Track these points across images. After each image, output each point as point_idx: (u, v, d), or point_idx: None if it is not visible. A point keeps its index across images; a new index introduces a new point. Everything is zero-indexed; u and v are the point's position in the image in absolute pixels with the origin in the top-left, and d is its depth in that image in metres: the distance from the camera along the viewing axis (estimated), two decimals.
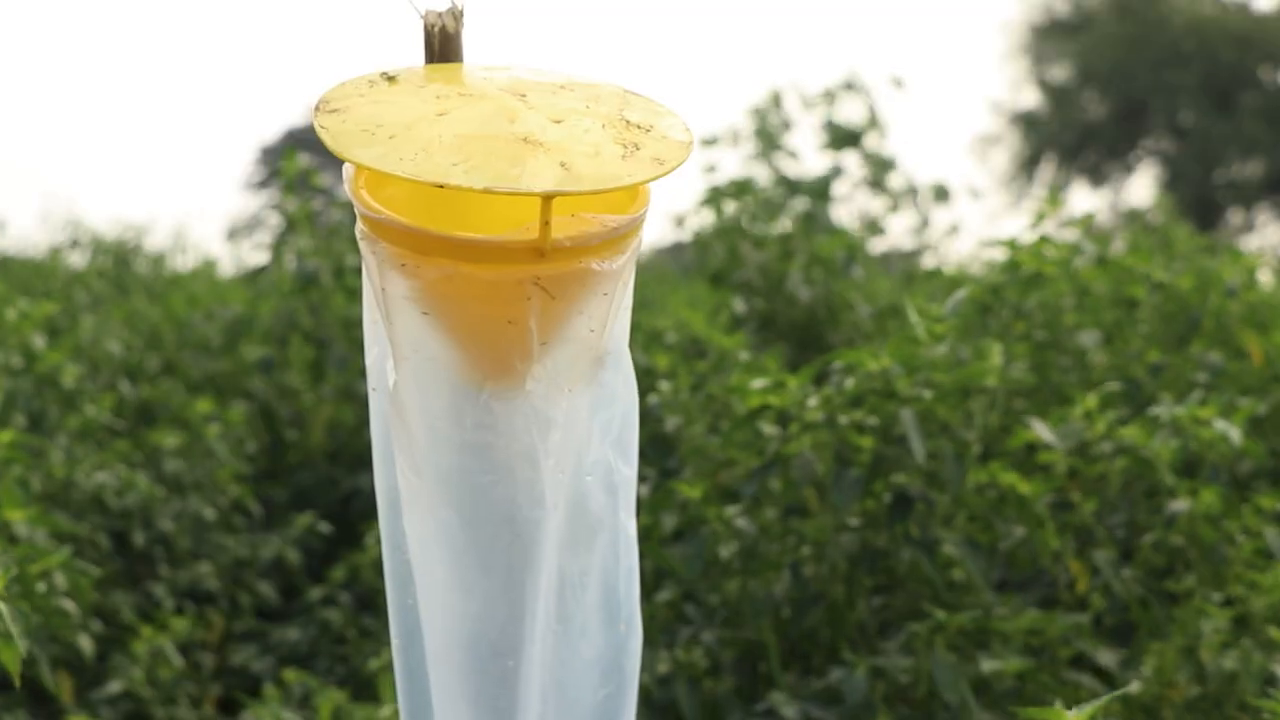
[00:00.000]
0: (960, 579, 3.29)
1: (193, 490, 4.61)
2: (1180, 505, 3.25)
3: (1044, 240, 4.20)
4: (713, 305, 5.71)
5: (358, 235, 1.67)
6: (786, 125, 9.19)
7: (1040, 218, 4.68)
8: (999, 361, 3.20)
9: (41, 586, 3.19)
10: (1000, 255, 4.33)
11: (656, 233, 9.55)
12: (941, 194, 9.51)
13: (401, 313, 1.64)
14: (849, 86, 9.30)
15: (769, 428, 3.27)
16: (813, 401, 3.18)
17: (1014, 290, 4.11)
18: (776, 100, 9.17)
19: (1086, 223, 4.85)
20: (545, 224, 1.60)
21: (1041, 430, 3.27)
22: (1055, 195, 4.77)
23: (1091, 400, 3.42)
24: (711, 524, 3.25)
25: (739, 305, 5.46)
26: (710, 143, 8.88)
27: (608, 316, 1.69)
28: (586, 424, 1.72)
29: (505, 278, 1.62)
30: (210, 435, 4.71)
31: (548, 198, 1.59)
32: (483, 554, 1.69)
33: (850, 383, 3.16)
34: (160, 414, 5.08)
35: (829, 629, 3.26)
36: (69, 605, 3.26)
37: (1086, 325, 4.46)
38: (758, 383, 3.26)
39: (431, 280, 1.62)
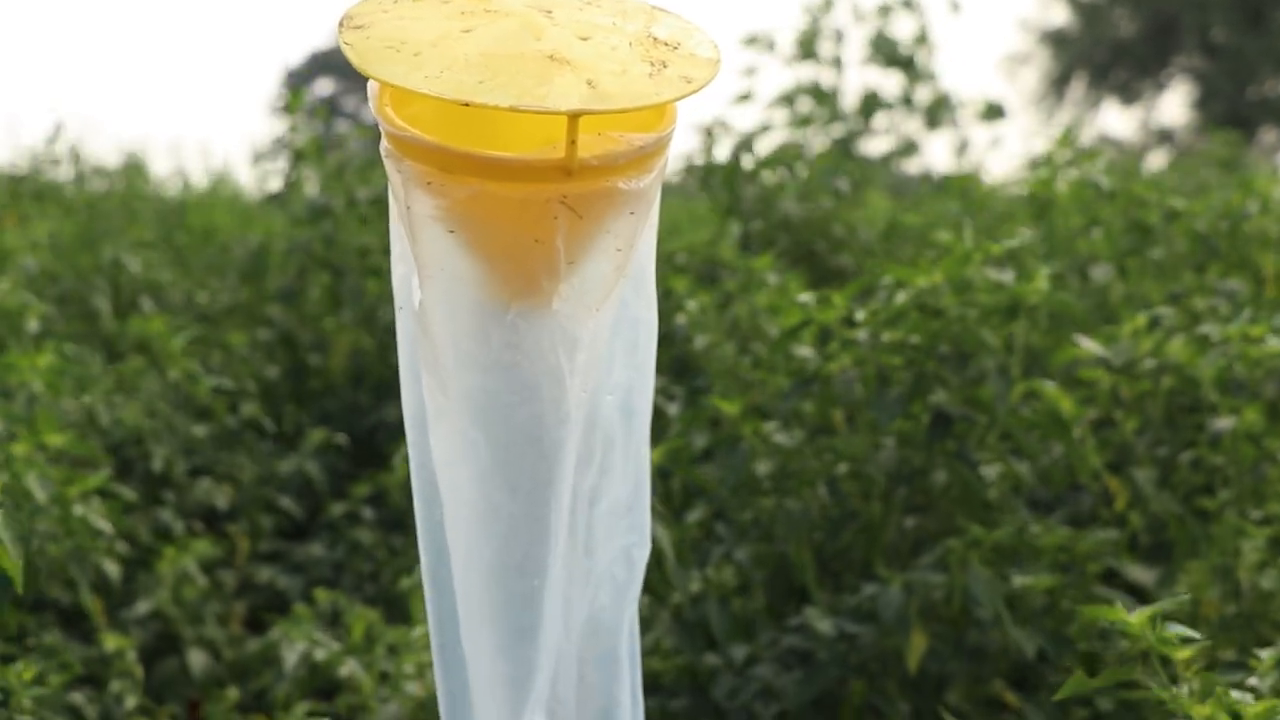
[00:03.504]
0: (995, 498, 3.29)
1: (209, 411, 4.62)
2: (1224, 423, 3.23)
3: (1059, 169, 4.18)
4: (716, 225, 5.67)
5: (383, 153, 1.66)
6: (839, 36, 9.09)
7: (1059, 145, 4.65)
8: (1044, 283, 3.19)
9: (79, 509, 3.21)
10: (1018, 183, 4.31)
11: (681, 153, 9.51)
12: (994, 112, 9.42)
13: (427, 231, 1.63)
14: (906, 4, 9.22)
15: (805, 347, 3.26)
16: (860, 316, 3.17)
17: (1027, 216, 4.08)
18: (828, 5, 9.08)
19: (1092, 157, 4.80)
20: (572, 143, 1.58)
21: (1089, 345, 3.26)
22: (1067, 136, 4.74)
23: (1140, 319, 3.41)
24: (748, 440, 3.25)
25: (735, 230, 5.43)
26: (751, 42, 8.77)
27: (634, 236, 1.68)
28: (609, 344, 1.72)
29: (532, 197, 1.61)
30: (228, 352, 4.69)
31: (574, 116, 1.57)
32: (509, 473, 1.69)
33: (898, 298, 3.15)
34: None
35: (863, 547, 3.26)
36: (104, 526, 3.28)
37: (1102, 254, 4.44)
38: (803, 297, 3.25)
39: (457, 199, 1.61)
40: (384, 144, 1.66)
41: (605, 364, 1.74)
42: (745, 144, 5.83)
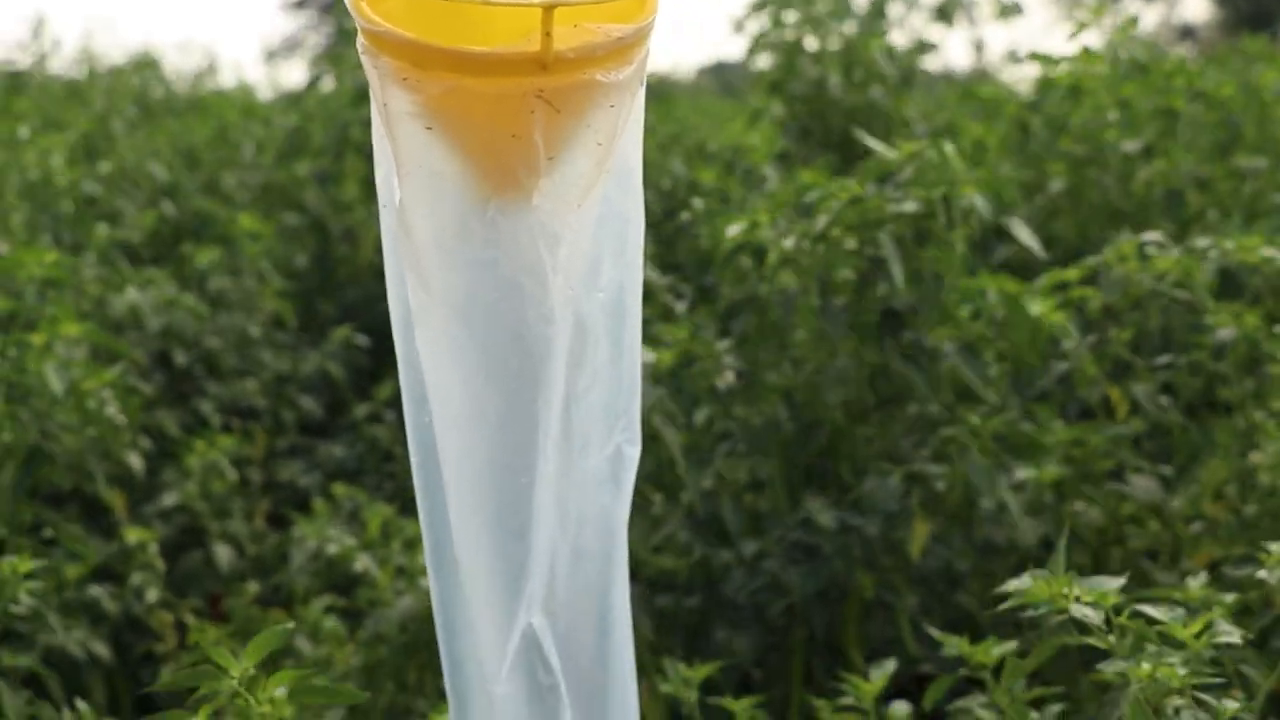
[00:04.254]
0: (991, 401, 3.27)
1: (233, 307, 4.63)
2: (1225, 333, 3.20)
3: (1085, 53, 4.10)
4: (748, 116, 5.60)
5: (360, 50, 1.64)
6: None
7: (1081, 27, 4.57)
8: (960, 165, 3.14)
9: (93, 403, 3.22)
10: (1039, 71, 4.24)
11: (697, 52, 9.35)
12: (1009, 9, 9.25)
13: (404, 128, 1.61)
14: None
15: (747, 262, 3.26)
16: (789, 241, 3.14)
17: (1052, 106, 4.02)
18: None
19: (1126, 31, 4.71)
20: (547, 35, 1.56)
21: (1021, 232, 3.21)
22: (1101, 6, 4.65)
23: (1128, 245, 3.36)
24: (704, 360, 3.25)
25: (777, 110, 5.36)
26: None
27: (615, 130, 1.65)
28: (594, 241, 1.70)
29: (508, 91, 1.58)
30: (251, 252, 4.71)
31: (549, 8, 1.55)
32: (494, 372, 1.68)
33: (826, 207, 3.13)
34: (201, 233, 5.08)
35: (837, 452, 3.25)
36: (118, 418, 3.30)
37: (1128, 139, 4.37)
38: (733, 229, 3.24)
39: (433, 94, 1.59)
40: (360, 40, 1.63)
41: (592, 262, 1.72)
42: (760, 42, 5.74)
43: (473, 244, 1.65)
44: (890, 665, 2.48)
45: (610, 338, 1.74)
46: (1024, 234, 3.21)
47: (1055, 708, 2.43)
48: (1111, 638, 2.05)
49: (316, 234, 5.49)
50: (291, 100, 6.27)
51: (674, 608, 3.23)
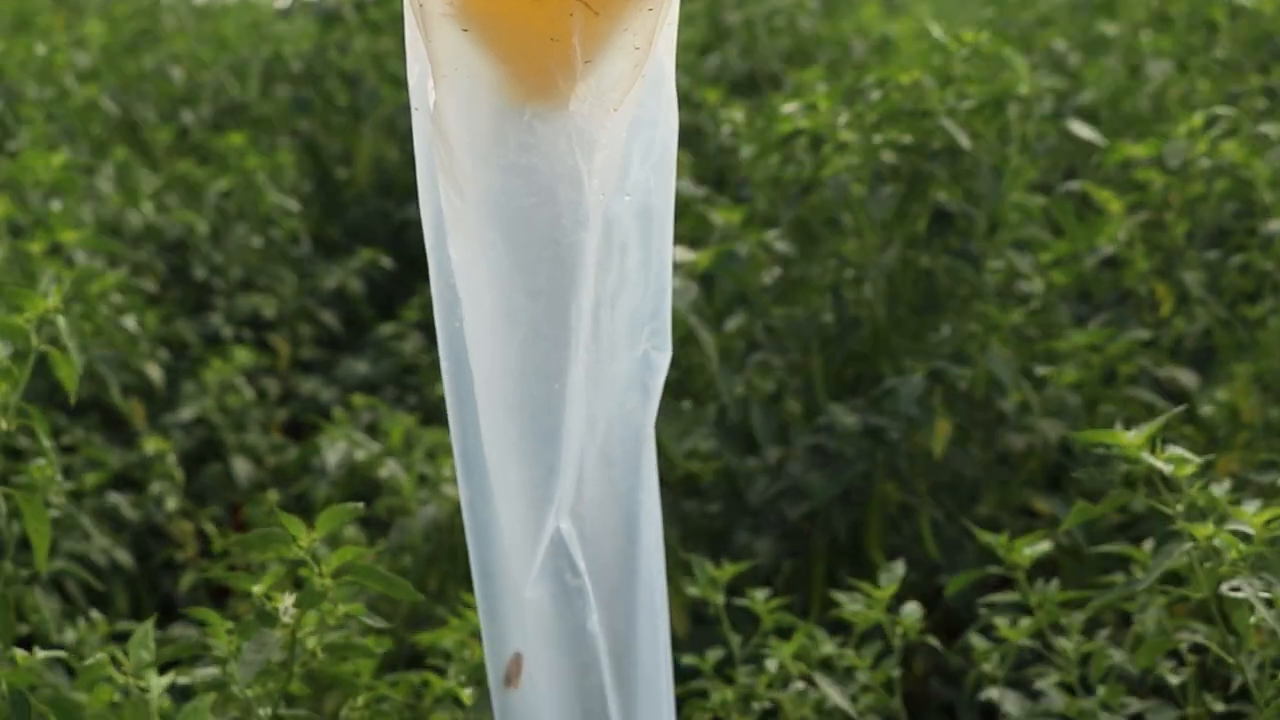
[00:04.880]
0: (1034, 306, 3.27)
1: (246, 221, 4.62)
2: (1277, 225, 3.18)
3: None
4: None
5: None
6: None
7: None
8: (1025, 69, 3.12)
9: (104, 309, 3.21)
10: None
11: None
12: None
13: (440, 29, 1.60)
14: None
15: (804, 152, 3.23)
16: (843, 120, 3.12)
17: (1088, 14, 3.98)
18: None
19: None
20: None
21: (1081, 129, 3.20)
22: None
23: (1197, 119, 3.33)
24: (751, 249, 3.23)
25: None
26: None
27: (653, 33, 1.64)
28: (626, 145, 1.69)
29: None
30: (252, 165, 4.69)
31: None
32: (528, 276, 1.68)
33: (878, 98, 3.11)
34: (210, 154, 5.06)
35: (874, 354, 3.25)
36: (133, 327, 3.29)
37: (1164, 51, 4.33)
38: (790, 106, 3.20)
39: None
40: None
41: (623, 165, 1.71)
42: None
43: (508, 149, 1.64)
44: (899, 569, 2.49)
45: (640, 242, 1.74)
46: (1085, 130, 3.20)
47: (1080, 616, 2.45)
48: (1180, 505, 2.04)
49: (311, 158, 5.46)
50: (283, 15, 6.20)
51: (697, 513, 3.24)
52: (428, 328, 4.62)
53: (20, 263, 3.20)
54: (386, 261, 4.83)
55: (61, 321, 2.22)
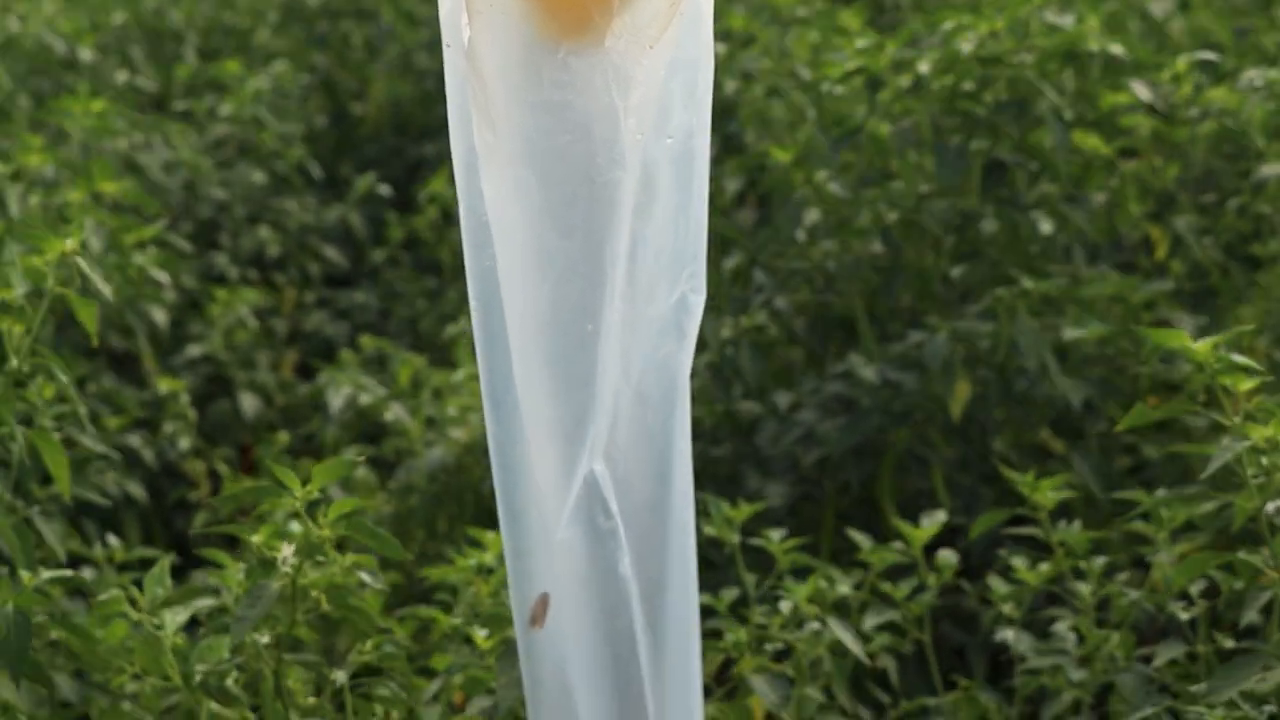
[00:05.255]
0: (1046, 246, 3.26)
1: (250, 157, 4.59)
2: (1271, 169, 3.17)
3: None
4: None
5: None
6: None
7: None
8: (1098, 25, 3.11)
9: (138, 257, 3.21)
10: None
11: None
12: None
13: None
14: None
15: (854, 93, 3.21)
16: (923, 68, 3.10)
17: None
18: None
19: None
20: None
21: (1140, 90, 3.19)
22: None
23: (1181, 63, 3.32)
24: (799, 188, 3.21)
25: None
26: None
27: None
28: (665, 85, 1.68)
29: None
30: (254, 90, 4.64)
31: None
32: (562, 215, 1.67)
33: (957, 46, 3.08)
34: (218, 86, 5.02)
35: (913, 297, 3.24)
36: (161, 276, 3.28)
37: None
38: (859, 43, 3.18)
39: None
40: None
41: (662, 107, 1.69)
42: None
43: (542, 85, 1.63)
44: (940, 515, 2.50)
45: (679, 184, 1.72)
46: (1144, 92, 3.18)
47: (1100, 560, 2.46)
48: (1237, 418, 2.04)
49: (327, 92, 5.43)
50: None
51: (703, 456, 3.24)
52: (416, 253, 4.62)
53: (55, 212, 3.18)
54: (385, 189, 4.80)
55: (81, 263, 2.21)
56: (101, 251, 3.07)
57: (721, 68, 3.92)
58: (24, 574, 2.13)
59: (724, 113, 3.84)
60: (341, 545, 2.15)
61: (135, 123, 4.15)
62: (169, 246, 3.64)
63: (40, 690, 2.18)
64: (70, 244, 2.21)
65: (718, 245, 3.36)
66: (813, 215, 3.26)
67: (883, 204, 3.22)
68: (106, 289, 2.27)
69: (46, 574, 2.15)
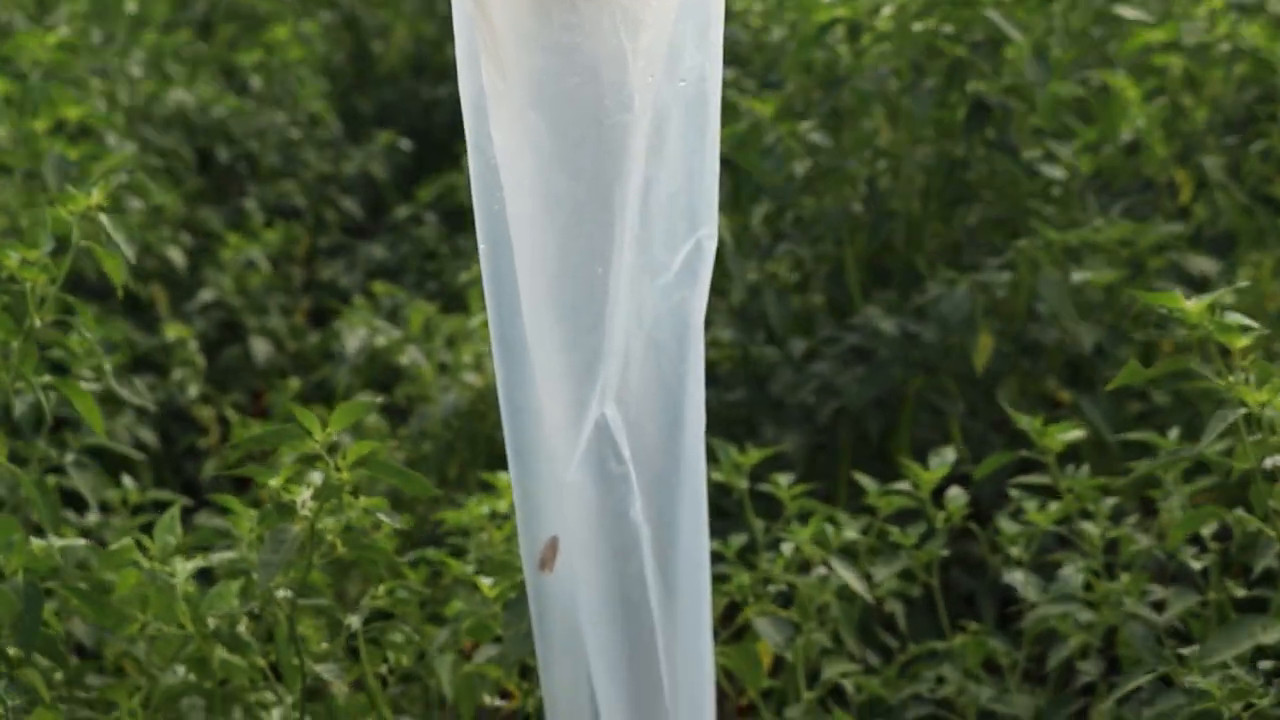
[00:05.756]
0: (1052, 189, 3.25)
1: (275, 106, 4.57)
2: None
3: None
4: None
5: None
6: None
7: None
8: None
9: (136, 203, 3.19)
10: None
11: None
12: None
13: None
14: None
15: (840, 42, 3.19)
16: (886, 10, 3.08)
17: None
18: None
19: None
20: None
21: (1126, 10, 3.16)
22: None
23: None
24: (786, 140, 3.20)
25: None
26: None
27: None
28: (676, 27, 1.67)
29: None
30: (292, 55, 4.63)
31: None
32: (570, 160, 1.66)
33: None
34: (241, 36, 5.00)
35: (907, 246, 3.23)
36: (135, 204, 3.26)
37: None
38: None
39: None
40: None
41: (673, 49, 1.68)
42: None
43: (551, 27, 1.62)
44: (949, 454, 2.50)
45: (691, 128, 1.72)
46: (1130, 11, 3.15)
47: (1108, 503, 2.45)
48: (1233, 377, 2.03)
49: (349, 30, 5.41)
50: None
51: (716, 401, 3.24)
52: (444, 207, 4.60)
53: (26, 142, 3.15)
54: (406, 144, 4.79)
55: (105, 219, 2.21)
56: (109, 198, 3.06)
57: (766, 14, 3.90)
58: (36, 542, 2.13)
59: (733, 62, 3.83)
60: (355, 491, 2.14)
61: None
62: (157, 171, 3.61)
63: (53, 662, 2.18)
64: (95, 197, 2.22)
65: (749, 194, 3.35)
66: (800, 167, 3.25)
67: (868, 152, 3.21)
68: (129, 250, 2.27)
69: (60, 542, 2.15)
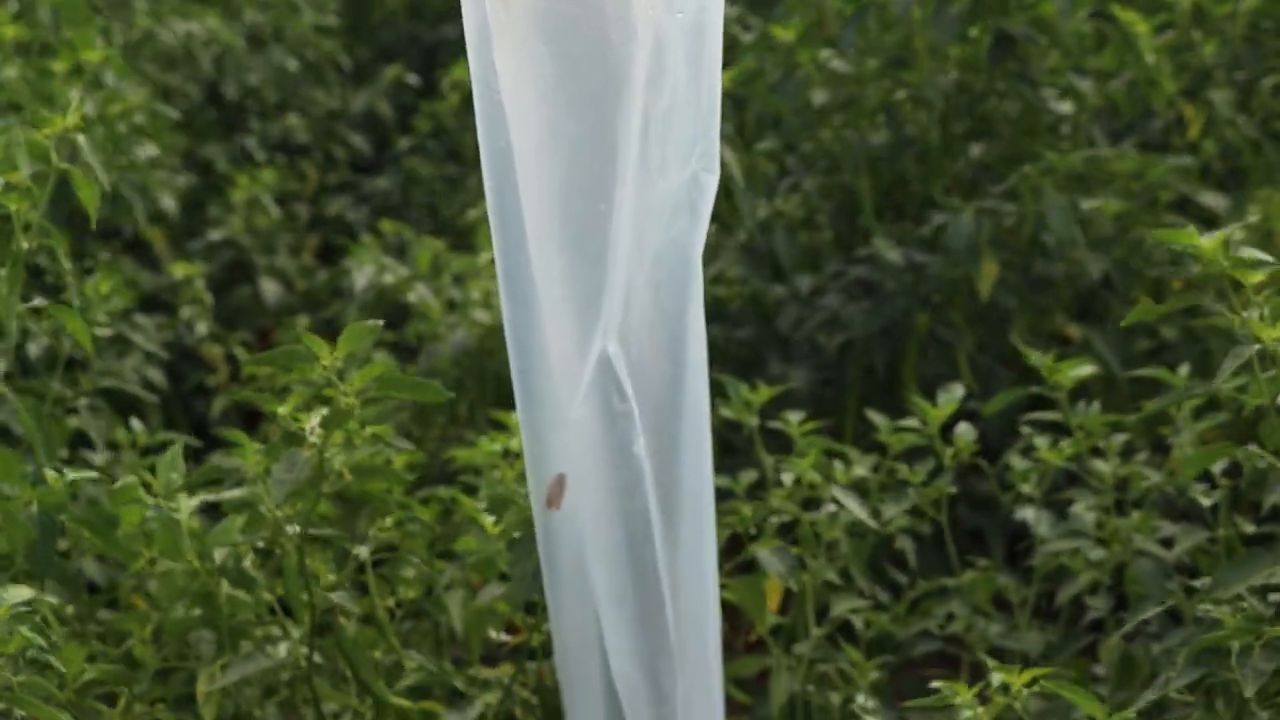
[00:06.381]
0: (1062, 126, 3.22)
1: (279, 43, 4.55)
2: None
3: None
4: None
5: None
6: None
7: None
8: None
9: (122, 127, 3.16)
10: None
11: None
12: None
13: None
14: None
15: None
16: None
17: None
18: None
19: None
20: None
21: None
22: None
23: None
24: (805, 67, 3.17)
25: None
26: None
27: None
28: None
29: None
30: None
31: None
32: (574, 92, 1.66)
33: None
34: None
35: (924, 177, 3.22)
36: (152, 150, 3.24)
37: None
38: None
39: None
40: None
41: None
42: None
43: None
44: (958, 390, 2.49)
45: (690, 59, 1.70)
46: None
47: (1119, 439, 2.45)
48: (1246, 313, 2.01)
49: None
50: None
51: (724, 338, 3.23)
52: (442, 139, 4.58)
53: (41, 84, 3.14)
54: (412, 78, 4.76)
55: (82, 140, 2.18)
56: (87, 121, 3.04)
57: None
58: (49, 474, 2.13)
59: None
60: (363, 423, 2.13)
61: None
62: (180, 125, 3.60)
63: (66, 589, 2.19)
64: (71, 119, 2.18)
65: (754, 128, 3.33)
66: (821, 95, 3.22)
67: (889, 81, 3.19)
68: (103, 174, 2.23)
69: (71, 474, 2.15)
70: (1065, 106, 3.22)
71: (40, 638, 1.81)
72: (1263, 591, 2.01)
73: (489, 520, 2.25)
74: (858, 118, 3.23)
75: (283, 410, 2.06)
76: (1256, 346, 1.98)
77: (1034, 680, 1.92)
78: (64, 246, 2.19)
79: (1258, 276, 1.99)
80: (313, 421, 2.05)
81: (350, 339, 2.01)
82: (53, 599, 2.05)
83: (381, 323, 2.04)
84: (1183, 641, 2.01)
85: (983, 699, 1.94)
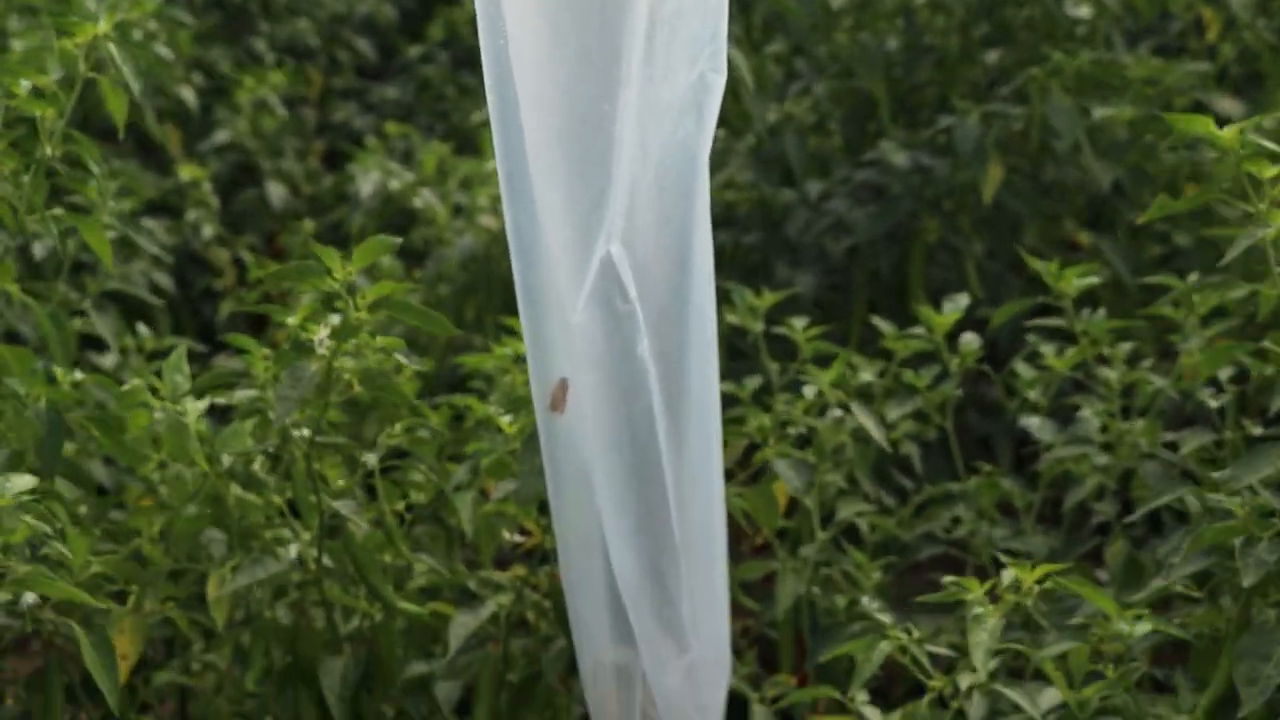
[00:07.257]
0: (1080, 32, 3.19)
1: None
2: None
3: None
4: None
5: None
6: None
7: None
8: None
9: (138, 34, 3.14)
10: None
11: None
12: None
13: None
14: None
15: None
16: None
17: None
18: None
19: None
20: None
21: None
22: None
23: None
24: None
25: None
26: None
27: None
28: None
29: None
30: None
31: None
32: None
33: None
34: None
35: (940, 83, 3.19)
36: (167, 53, 3.22)
37: None
38: None
39: None
40: None
41: None
42: None
43: None
44: (963, 300, 2.48)
45: None
46: None
47: (1125, 346, 2.44)
48: (1263, 205, 1.99)
49: None
50: None
51: (732, 244, 3.22)
52: (453, 48, 4.54)
53: None
54: None
55: (113, 49, 2.16)
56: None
57: None
58: (59, 371, 2.13)
59: None
60: (373, 333, 2.12)
61: None
62: (182, 25, 3.57)
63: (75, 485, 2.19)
64: (102, 27, 2.16)
65: (761, 32, 3.29)
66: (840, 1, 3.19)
67: None
68: (135, 82, 2.21)
69: (80, 375, 2.15)
70: (1084, 10, 3.18)
71: (46, 525, 1.82)
72: (1277, 486, 2.00)
73: (505, 420, 2.25)
74: (874, 21, 3.19)
75: (292, 321, 2.05)
76: (1271, 230, 1.96)
77: (1045, 577, 1.93)
78: (94, 154, 2.19)
79: (1273, 170, 1.98)
80: (322, 333, 2.04)
81: (364, 253, 1.99)
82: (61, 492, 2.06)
83: (399, 240, 2.02)
84: (1188, 534, 2.00)
85: (993, 597, 1.94)
